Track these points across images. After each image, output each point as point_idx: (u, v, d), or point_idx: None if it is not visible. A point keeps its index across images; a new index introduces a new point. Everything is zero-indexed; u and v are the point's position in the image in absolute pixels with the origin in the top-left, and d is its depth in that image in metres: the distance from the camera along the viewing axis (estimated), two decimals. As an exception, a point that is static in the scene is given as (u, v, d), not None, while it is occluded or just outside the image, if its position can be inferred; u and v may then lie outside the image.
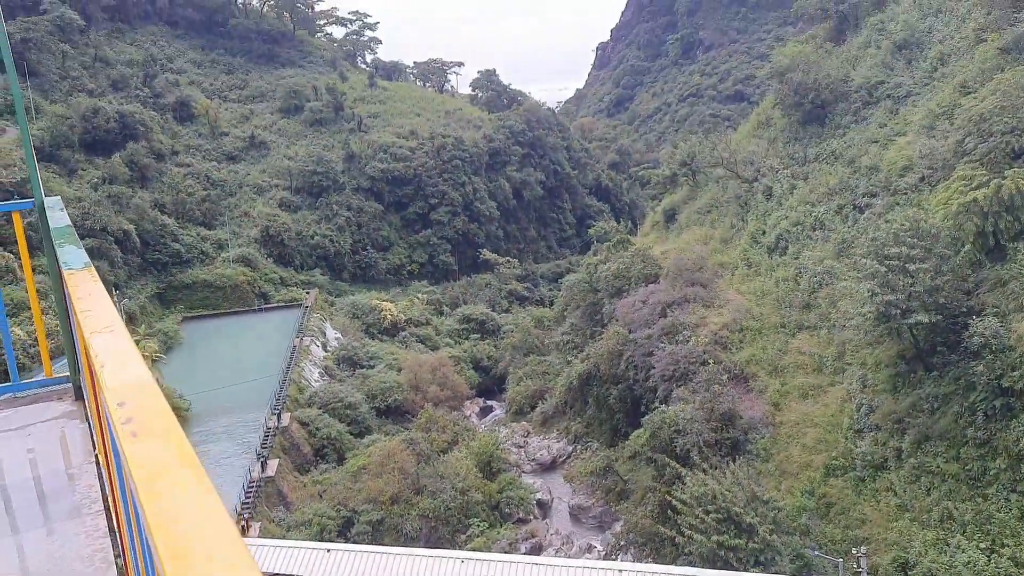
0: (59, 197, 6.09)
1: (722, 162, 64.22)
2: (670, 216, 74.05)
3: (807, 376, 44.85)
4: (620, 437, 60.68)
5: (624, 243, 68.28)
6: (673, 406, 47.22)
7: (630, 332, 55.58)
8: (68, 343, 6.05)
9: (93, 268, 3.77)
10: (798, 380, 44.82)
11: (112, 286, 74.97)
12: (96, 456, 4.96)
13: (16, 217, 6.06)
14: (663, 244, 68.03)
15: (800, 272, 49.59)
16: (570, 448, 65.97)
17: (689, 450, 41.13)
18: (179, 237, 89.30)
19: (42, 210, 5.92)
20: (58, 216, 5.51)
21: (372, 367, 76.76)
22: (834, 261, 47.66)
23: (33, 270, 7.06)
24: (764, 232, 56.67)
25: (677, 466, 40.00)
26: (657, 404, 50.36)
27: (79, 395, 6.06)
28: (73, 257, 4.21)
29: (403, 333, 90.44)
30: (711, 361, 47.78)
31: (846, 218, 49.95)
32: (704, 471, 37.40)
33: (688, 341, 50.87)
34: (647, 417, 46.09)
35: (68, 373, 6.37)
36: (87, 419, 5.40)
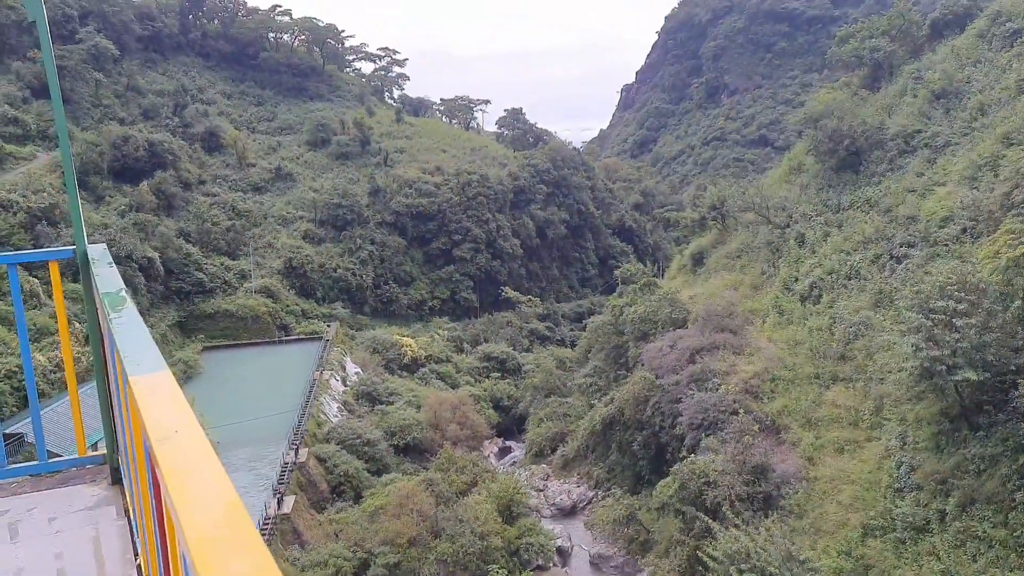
0: (104, 245, 5.29)
1: (753, 207, 63.37)
2: (698, 260, 73.10)
3: (842, 430, 43.37)
4: (643, 484, 59.16)
5: (651, 286, 67.27)
6: (702, 456, 45.86)
7: (657, 377, 54.35)
8: (106, 418, 5.23)
9: (168, 370, 2.90)
10: (833, 434, 43.34)
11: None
12: (138, 566, 4.10)
13: (53, 268, 5.27)
14: (691, 288, 66.98)
15: (835, 322, 48.35)
16: (591, 494, 64.39)
17: (720, 503, 39.71)
18: (203, 266, 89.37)
19: (85, 261, 5.13)
20: (107, 274, 4.66)
21: (391, 403, 75.75)
22: (871, 312, 46.42)
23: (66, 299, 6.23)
24: (797, 279, 55.55)
25: (708, 520, 38.58)
26: (684, 453, 48.96)
27: (115, 478, 5.23)
28: (139, 350, 3.22)
29: (423, 369, 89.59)
30: (742, 411, 46.43)
31: (883, 268, 48.78)
32: (736, 526, 35.99)
33: (718, 389, 49.57)
34: (676, 467, 44.70)
35: (103, 451, 5.53)
36: (125, 513, 4.53)
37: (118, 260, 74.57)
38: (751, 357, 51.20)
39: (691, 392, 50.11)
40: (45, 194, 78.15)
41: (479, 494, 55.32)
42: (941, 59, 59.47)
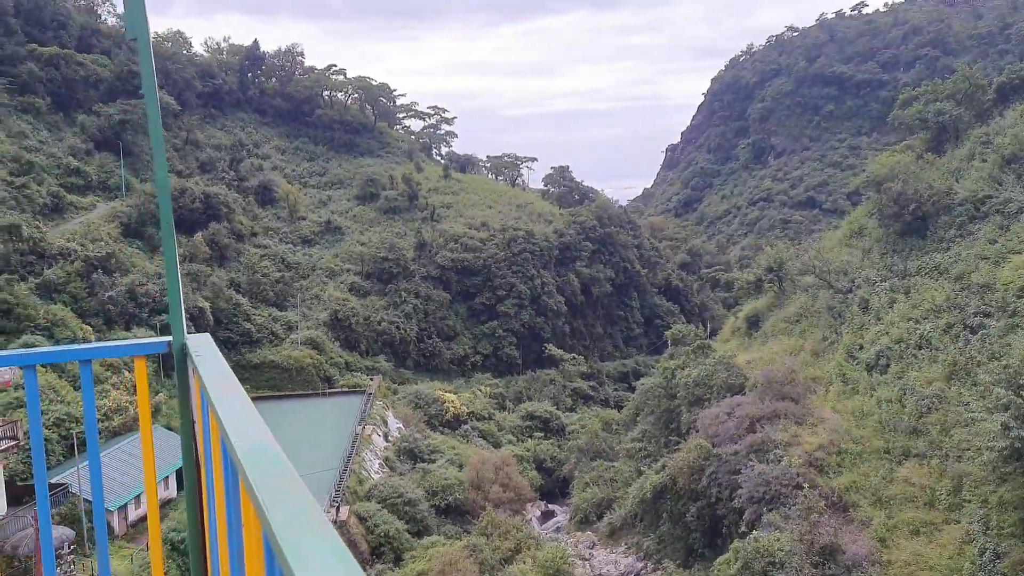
0: (208, 335, 4.26)
1: (813, 270, 61.50)
2: (753, 323, 71.05)
3: (917, 510, 40.75)
4: (696, 558, 56.46)
5: (704, 349, 65.34)
6: (763, 532, 43.44)
7: (713, 446, 52.17)
8: (195, 543, 4.17)
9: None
10: (907, 514, 40.71)
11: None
12: None
13: (140, 365, 4.27)
14: (747, 352, 64.87)
15: (905, 393, 45.98)
16: (640, 565, 61.64)
17: (786, 586, 37.28)
18: (251, 317, 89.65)
19: (182, 354, 4.10)
20: (214, 368, 3.64)
21: (433, 461, 74.21)
22: (944, 384, 44.06)
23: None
24: (862, 347, 53.30)
25: (774, 604, 36.17)
26: (744, 528, 46.55)
27: None
28: (262, 456, 2.48)
29: (465, 426, 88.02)
30: (806, 485, 44.03)
31: (956, 338, 46.48)
32: (806, 613, 33.60)
33: (780, 461, 47.24)
34: (737, 543, 42.33)
35: None
36: None
37: (167, 309, 75.26)
38: (815, 428, 48.87)
39: (751, 463, 47.85)
40: (102, 243, 79.43)
41: (524, 562, 53.25)
42: (1011, 124, 57.70)
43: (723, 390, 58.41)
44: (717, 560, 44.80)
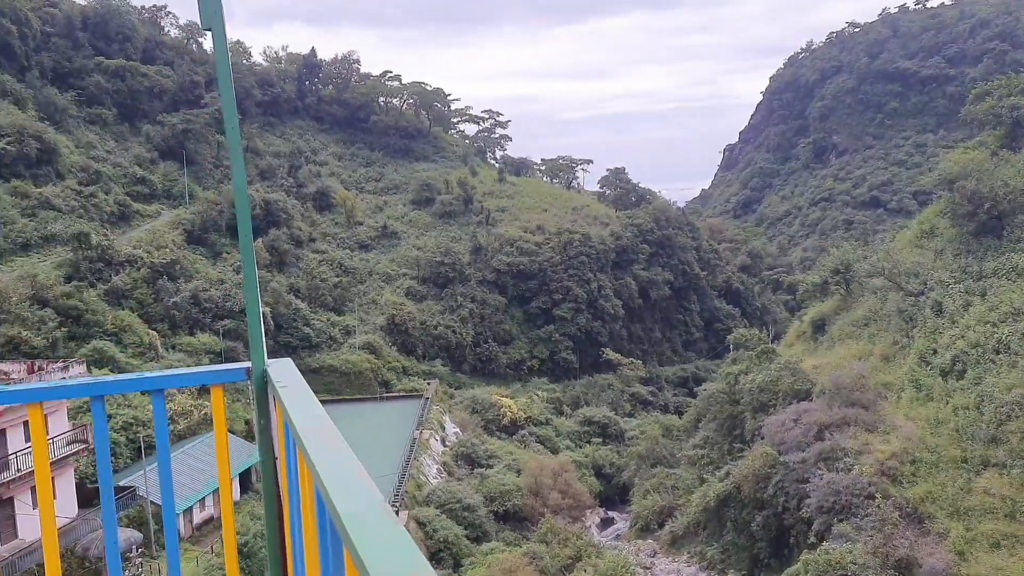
0: (289, 360, 3.83)
1: (882, 272, 59.39)
2: (819, 327, 69.03)
3: (998, 522, 38.89)
4: (762, 568, 54.96)
5: (768, 353, 63.67)
6: (834, 543, 41.91)
7: (780, 453, 50.69)
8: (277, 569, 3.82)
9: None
10: (987, 526, 38.87)
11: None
12: None
13: (217, 393, 3.86)
14: (813, 357, 62.99)
15: (983, 400, 43.98)
16: (703, 575, 60.35)
17: (860, 601, 35.82)
18: (310, 321, 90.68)
19: (262, 383, 3.67)
20: (298, 395, 3.22)
21: (491, 466, 73.84)
22: (1026, 390, 41.96)
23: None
24: (935, 352, 51.21)
25: (848, 620, 34.76)
26: (813, 539, 45.07)
27: None
28: (351, 487, 2.25)
29: (522, 432, 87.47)
30: (879, 495, 42.40)
31: (1038, 342, 44.29)
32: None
33: (850, 470, 45.62)
34: (807, 555, 40.91)
35: None
36: None
37: (232, 315, 76.60)
38: (886, 436, 47.10)
39: (820, 472, 46.32)
40: (167, 250, 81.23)
41: (584, 571, 52.43)
42: (1093, 116, 54.89)
43: (789, 396, 56.83)
44: (785, 572, 43.42)
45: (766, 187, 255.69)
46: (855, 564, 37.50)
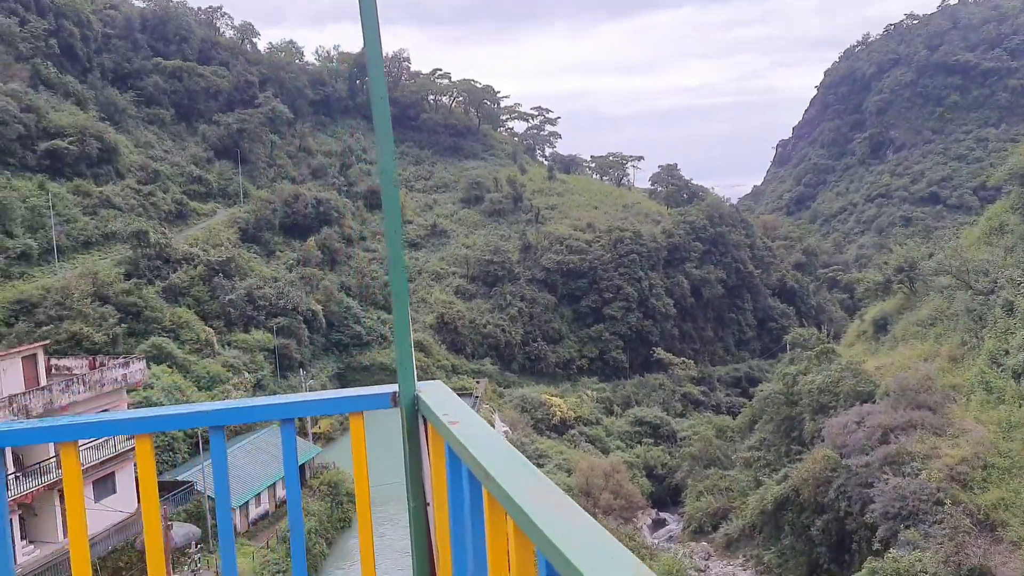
0: (440, 382, 3.24)
1: (950, 270, 57.27)
2: (880, 326, 66.94)
3: (1078, 533, 37.01)
4: (821, 574, 53.47)
5: (828, 354, 61.91)
6: (900, 551, 40.41)
7: (842, 456, 49.14)
8: None
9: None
10: (1066, 536, 37.04)
11: (299, 364, 76.74)
12: None
13: (357, 423, 3.33)
14: (875, 358, 61.08)
15: (1061, 404, 41.96)
16: (759, 579, 58.98)
17: (931, 612, 34.39)
18: (361, 320, 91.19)
19: (413, 410, 3.11)
20: (481, 441, 2.50)
21: (541, 466, 72.66)
22: (1109, 394, 39.89)
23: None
24: (1007, 352, 49.10)
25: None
26: (878, 546, 43.53)
27: None
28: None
29: (572, 431, 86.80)
30: (948, 501, 40.72)
31: (1121, 344, 42.11)
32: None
33: (918, 475, 43.94)
34: (873, 563, 39.51)
35: None
36: None
37: (285, 312, 77.34)
38: (956, 440, 45.29)
39: (885, 476, 44.73)
40: (223, 248, 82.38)
41: (639, 573, 51.50)
42: None
43: (851, 398, 55.13)
44: (850, 580, 41.96)
45: (820, 183, 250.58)
46: (925, 573, 36.05)
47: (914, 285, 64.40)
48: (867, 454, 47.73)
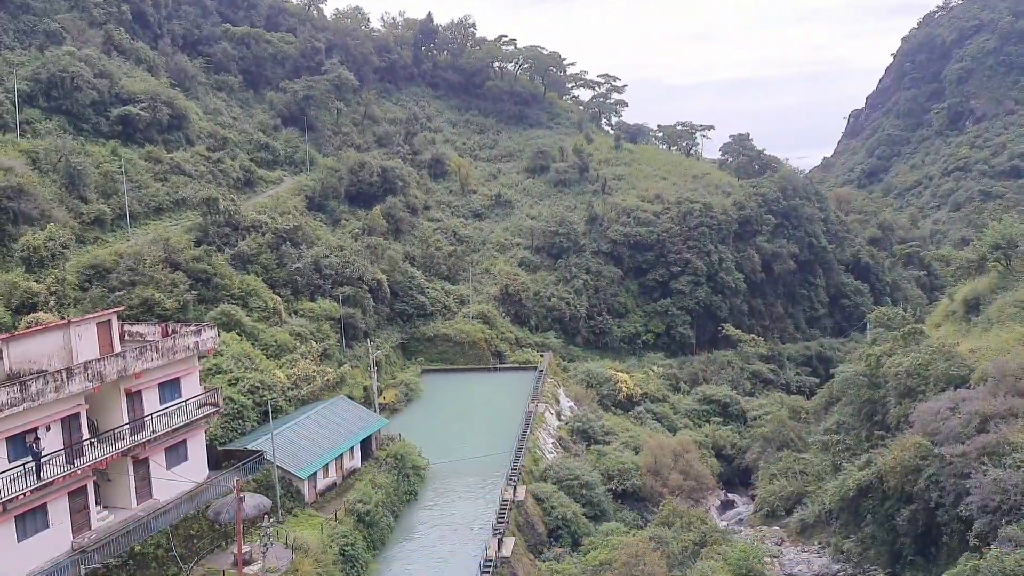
0: None
1: (1056, 248, 53.52)
2: (972, 306, 63.23)
3: None
4: (905, 565, 50.99)
5: (916, 334, 58.68)
6: (1002, 547, 37.84)
7: (934, 444, 46.40)
8: None
9: None
10: None
11: (363, 334, 76.35)
12: None
13: None
14: (968, 340, 57.65)
15: None
16: (836, 567, 56.69)
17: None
18: (425, 290, 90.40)
19: None
20: None
21: (608, 443, 71.77)
22: None
23: None
24: (1122, 339, 45.59)
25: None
26: (974, 540, 40.98)
27: None
28: None
29: (638, 408, 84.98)
30: (1056, 498, 37.94)
31: None
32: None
33: (1020, 467, 41.14)
34: (976, 561, 37.07)
35: None
36: None
37: (351, 282, 76.75)
38: (1064, 431, 42.20)
39: (984, 467, 42.01)
40: (290, 216, 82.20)
41: (712, 558, 49.77)
42: None
43: (942, 382, 52.23)
44: (947, 574, 39.49)
45: (894, 155, 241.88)
46: (1035, 576, 33.54)
47: (1011, 263, 60.50)
48: (963, 443, 44.98)
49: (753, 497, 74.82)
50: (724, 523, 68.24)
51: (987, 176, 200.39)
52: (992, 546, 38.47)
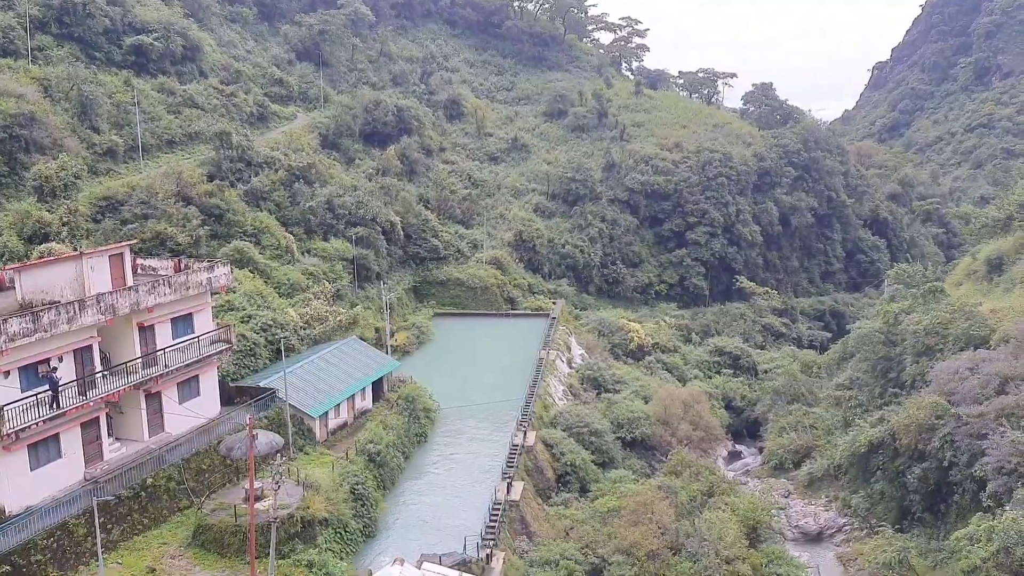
0: None
1: (1087, 209, 52.19)
2: (995, 266, 62.14)
3: None
4: (913, 522, 51.04)
5: (936, 292, 57.77)
6: (1017, 509, 37.60)
7: (951, 404, 45.92)
8: None
9: None
10: None
11: (376, 276, 75.88)
12: None
13: None
14: (989, 300, 56.74)
15: None
16: (842, 521, 56.98)
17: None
18: (438, 233, 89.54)
19: None
20: None
21: (618, 392, 71.62)
22: None
23: None
24: None
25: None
26: (988, 502, 40.78)
27: None
28: None
29: (649, 358, 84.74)
30: (1075, 461, 37.53)
31: None
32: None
33: (1039, 430, 40.68)
34: (990, 523, 36.82)
35: None
36: None
37: (364, 222, 75.93)
38: (1086, 395, 41.60)
39: (1002, 429, 41.58)
40: (303, 153, 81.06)
41: (720, 508, 49.84)
42: None
43: (961, 342, 51.56)
44: (957, 534, 39.47)
45: (917, 110, 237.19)
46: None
47: (1039, 223, 59.28)
48: (981, 404, 44.55)
49: (761, 449, 75.03)
50: (731, 473, 68.51)
51: (1011, 134, 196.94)
52: (1006, 508, 38.25)
